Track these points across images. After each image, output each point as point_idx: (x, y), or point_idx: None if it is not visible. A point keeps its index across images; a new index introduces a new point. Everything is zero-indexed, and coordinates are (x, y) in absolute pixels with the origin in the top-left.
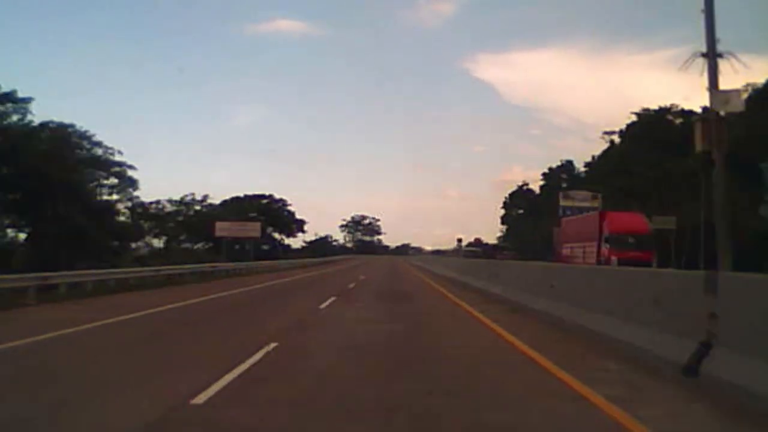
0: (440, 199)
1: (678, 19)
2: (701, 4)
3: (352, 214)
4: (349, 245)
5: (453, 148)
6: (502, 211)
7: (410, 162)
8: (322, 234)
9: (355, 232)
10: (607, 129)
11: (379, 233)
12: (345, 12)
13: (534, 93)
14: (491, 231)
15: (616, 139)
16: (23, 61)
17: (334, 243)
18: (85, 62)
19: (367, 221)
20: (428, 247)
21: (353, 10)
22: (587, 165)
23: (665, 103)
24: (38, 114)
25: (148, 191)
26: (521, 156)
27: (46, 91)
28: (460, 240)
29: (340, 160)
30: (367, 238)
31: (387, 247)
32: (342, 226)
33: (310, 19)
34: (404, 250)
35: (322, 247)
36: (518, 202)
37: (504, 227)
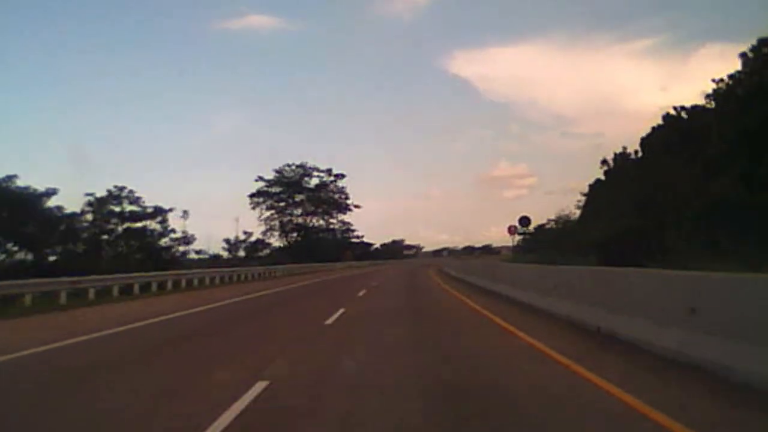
0: (425, 198)
1: (652, 9)
2: None
3: (280, 165)
4: (278, 244)
5: (435, 146)
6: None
7: (391, 161)
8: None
9: (281, 209)
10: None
11: (342, 208)
12: (318, 7)
13: (513, 88)
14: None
15: None
16: None
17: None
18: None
19: (314, 181)
20: (425, 247)
21: (327, 4)
22: None
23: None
24: None
25: None
26: (506, 152)
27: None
28: (517, 227)
29: (316, 160)
30: (317, 222)
31: (368, 244)
32: (253, 195)
33: (283, 15)
34: (396, 250)
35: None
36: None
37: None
